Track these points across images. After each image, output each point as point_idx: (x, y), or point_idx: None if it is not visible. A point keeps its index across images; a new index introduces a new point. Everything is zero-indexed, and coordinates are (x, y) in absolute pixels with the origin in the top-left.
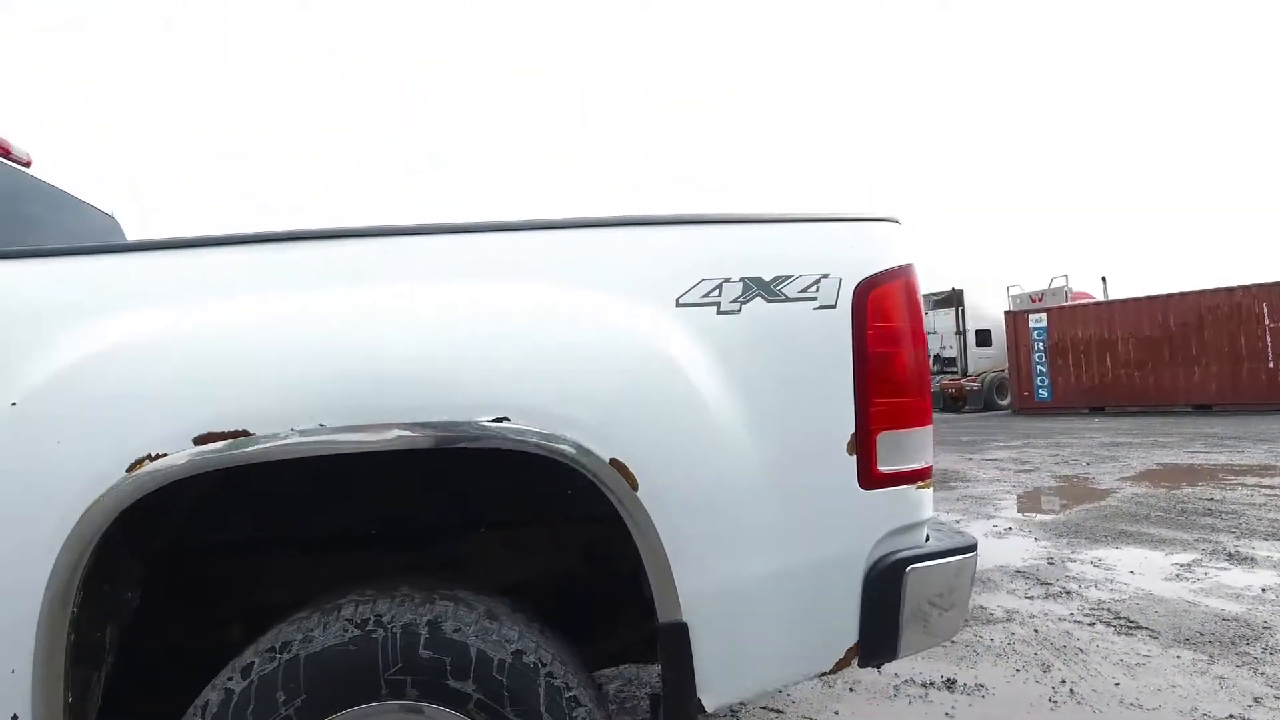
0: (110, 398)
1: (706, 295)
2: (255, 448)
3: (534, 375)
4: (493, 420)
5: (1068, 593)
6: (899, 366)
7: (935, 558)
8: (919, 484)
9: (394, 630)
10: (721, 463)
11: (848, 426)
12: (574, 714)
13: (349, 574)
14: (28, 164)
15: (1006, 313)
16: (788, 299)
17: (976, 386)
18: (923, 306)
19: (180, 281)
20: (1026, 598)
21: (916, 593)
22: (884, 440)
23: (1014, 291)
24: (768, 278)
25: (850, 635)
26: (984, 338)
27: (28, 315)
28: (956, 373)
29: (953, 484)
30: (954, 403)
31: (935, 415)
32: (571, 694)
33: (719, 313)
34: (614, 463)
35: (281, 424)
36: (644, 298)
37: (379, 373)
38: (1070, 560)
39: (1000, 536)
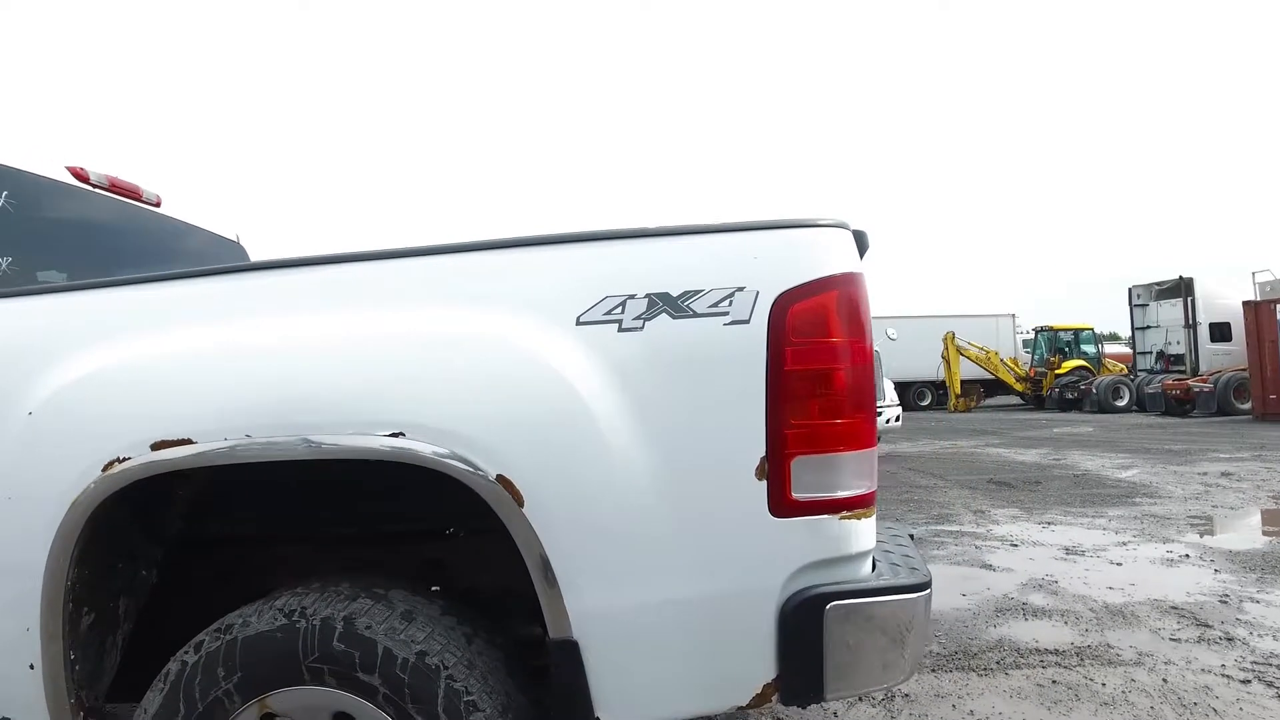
0: (90, 413)
1: (608, 313)
2: (192, 452)
3: (430, 394)
4: (389, 435)
5: (1229, 639)
6: (825, 386)
7: (861, 596)
8: (845, 513)
9: (314, 622)
10: (613, 484)
11: (757, 450)
12: (470, 717)
13: (335, 567)
14: (158, 204)
15: (1246, 303)
16: (695, 315)
17: (1208, 388)
18: (868, 318)
19: (142, 315)
20: (1171, 639)
21: (840, 632)
22: (801, 465)
23: (1262, 279)
24: (675, 293)
25: (768, 671)
26: (1220, 332)
27: (33, 345)
28: (1184, 371)
29: (1136, 499)
30: (1179, 406)
31: (1157, 419)
32: (470, 699)
33: (620, 330)
34: (500, 479)
35: (218, 435)
36: (544, 317)
37: (297, 394)
38: (1251, 600)
39: (1169, 565)
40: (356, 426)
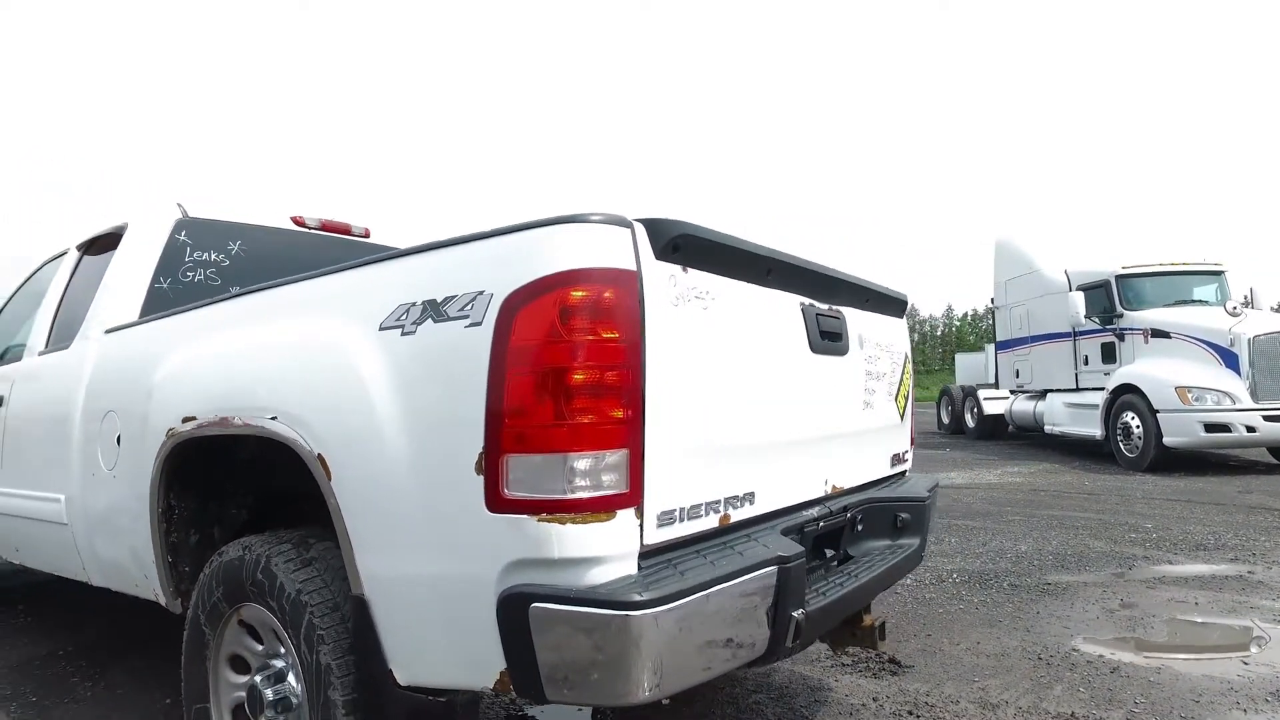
0: (168, 392)
1: (397, 320)
2: (191, 426)
3: (291, 388)
4: (269, 419)
5: None
6: (545, 386)
7: (565, 602)
8: (545, 515)
9: (252, 556)
10: (387, 468)
11: (477, 446)
12: (320, 646)
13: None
14: (366, 235)
15: None
16: (449, 319)
17: None
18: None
19: (190, 330)
20: None
21: (546, 636)
22: (514, 464)
23: None
24: (439, 299)
25: (500, 660)
26: None
27: (160, 348)
28: None
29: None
30: None
31: None
32: (321, 633)
33: (403, 334)
34: (319, 457)
35: (208, 415)
36: (361, 324)
37: (238, 388)
38: None
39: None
40: (254, 412)
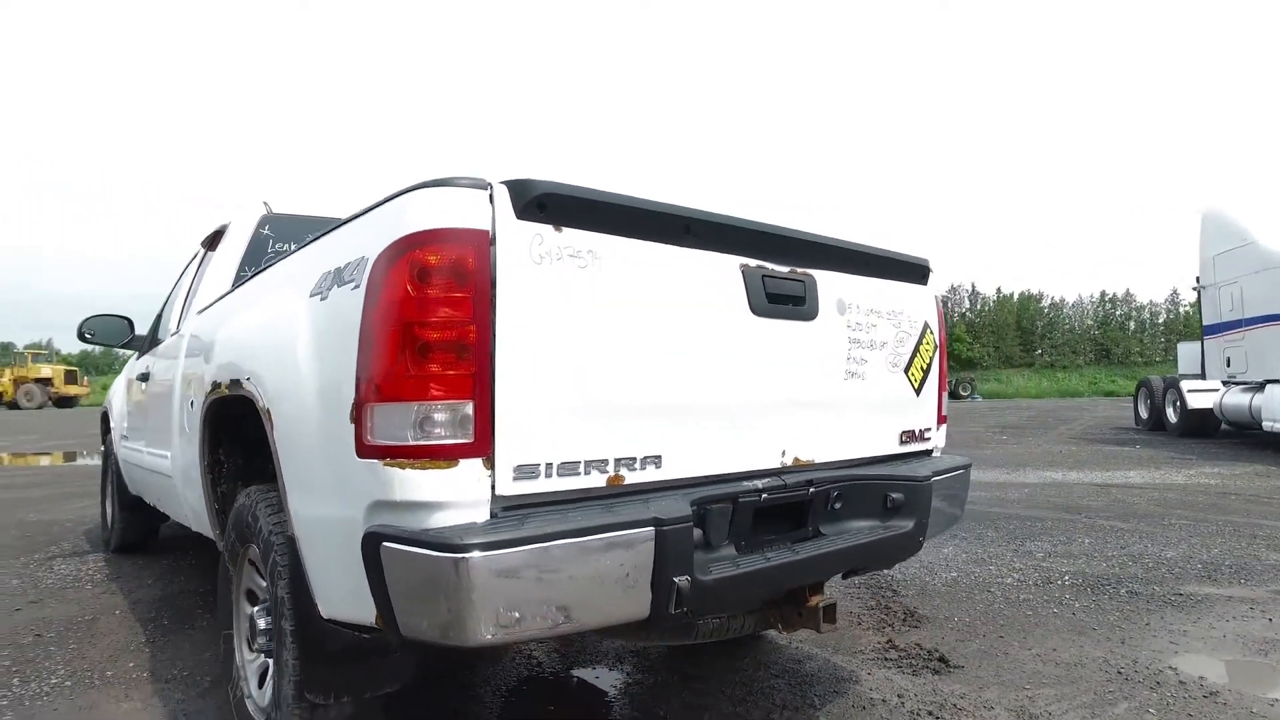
0: (214, 356)
1: (319, 288)
2: (216, 393)
3: (259, 354)
4: (246, 380)
5: None
6: (396, 340)
7: (406, 543)
8: (391, 460)
9: (247, 502)
10: (305, 420)
11: (352, 396)
12: (279, 580)
13: None
14: None
15: None
16: (344, 283)
17: None
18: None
19: (227, 307)
20: None
21: (394, 575)
22: (372, 412)
23: None
24: (341, 266)
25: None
26: None
27: (212, 327)
28: None
29: None
30: None
31: None
32: (280, 568)
33: (321, 300)
34: (267, 411)
35: (225, 380)
36: (301, 295)
37: (240, 357)
38: None
39: None
40: (242, 376)
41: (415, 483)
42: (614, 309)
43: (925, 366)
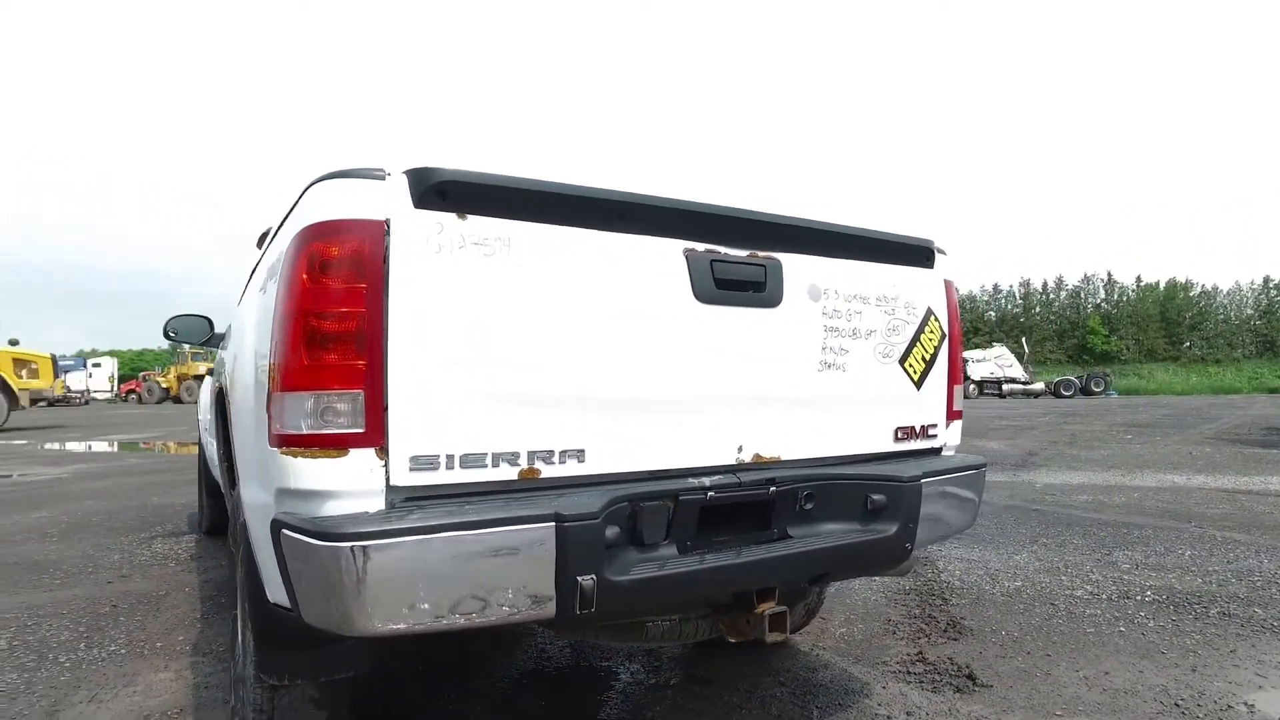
0: (231, 348)
1: (263, 282)
2: (219, 382)
3: (229, 345)
4: (220, 371)
5: None
6: (295, 332)
7: (298, 530)
8: (287, 449)
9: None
10: (246, 408)
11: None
12: (243, 564)
13: None
14: None
15: None
16: (274, 276)
17: None
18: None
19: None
20: None
21: (291, 561)
22: (277, 401)
23: None
24: (275, 259)
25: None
26: None
27: (238, 316)
28: None
29: None
30: None
31: None
32: (238, 551)
33: (262, 294)
34: (228, 400)
35: (217, 370)
36: (257, 289)
37: (225, 349)
38: None
39: None
40: (218, 365)
41: (310, 471)
42: (528, 298)
43: (928, 357)
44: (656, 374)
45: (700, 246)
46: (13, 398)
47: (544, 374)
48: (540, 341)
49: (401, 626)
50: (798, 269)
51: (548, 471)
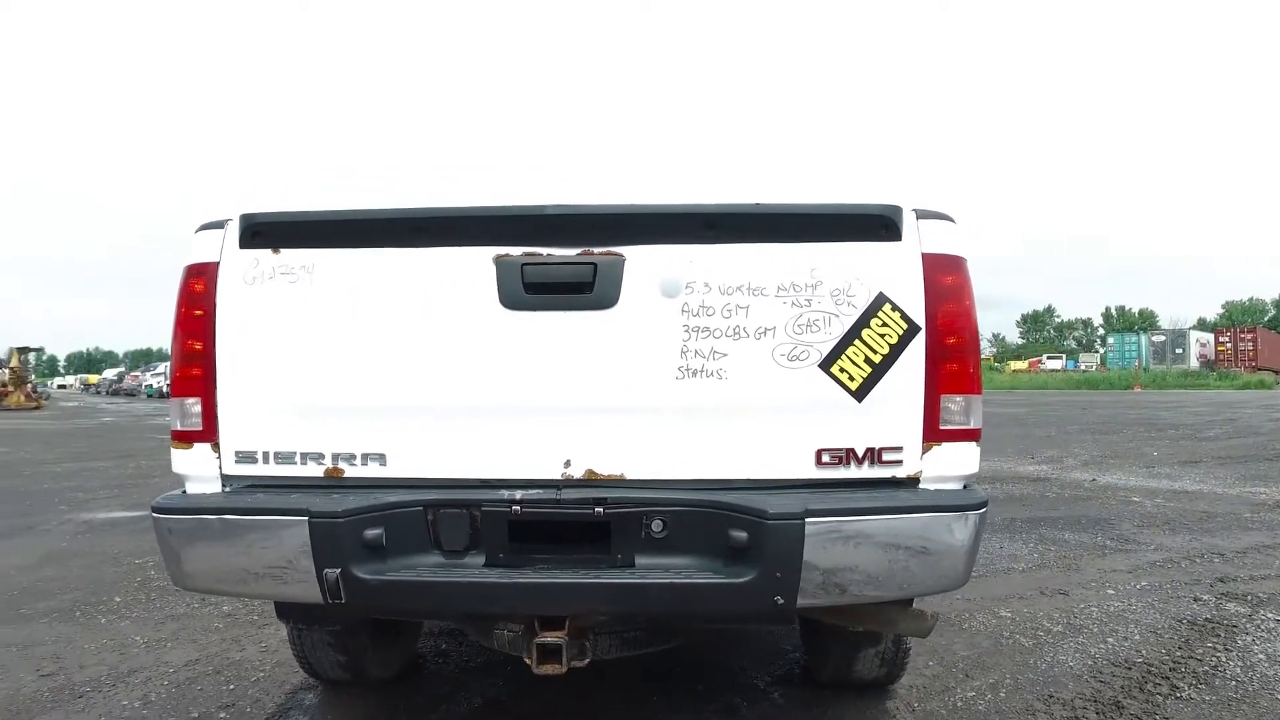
0: None
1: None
2: None
3: None
4: None
5: None
6: (178, 350)
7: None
8: (171, 442)
9: None
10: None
11: None
12: None
13: None
14: None
15: None
16: None
17: None
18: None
19: None
20: None
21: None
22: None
23: None
24: None
25: None
26: None
27: None
28: None
29: None
30: None
31: None
32: None
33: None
34: None
35: None
36: None
37: None
38: None
39: None
40: None
41: (175, 459)
42: (330, 317)
43: (877, 359)
44: (460, 383)
45: (516, 251)
46: None
47: (347, 384)
48: (341, 355)
49: (213, 587)
50: (646, 263)
51: (351, 471)
